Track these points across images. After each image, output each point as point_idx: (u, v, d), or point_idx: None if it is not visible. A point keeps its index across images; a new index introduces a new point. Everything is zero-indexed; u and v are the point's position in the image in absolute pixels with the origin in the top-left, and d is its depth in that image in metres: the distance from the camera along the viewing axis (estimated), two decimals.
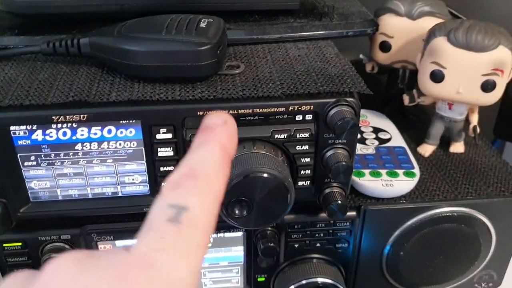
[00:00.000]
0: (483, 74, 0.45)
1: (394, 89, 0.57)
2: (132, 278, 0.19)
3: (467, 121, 0.52)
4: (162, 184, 0.23)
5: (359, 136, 0.52)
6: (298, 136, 0.40)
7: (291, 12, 0.49)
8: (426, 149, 0.53)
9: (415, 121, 0.58)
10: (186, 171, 0.23)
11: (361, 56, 0.58)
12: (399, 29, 0.52)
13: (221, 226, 0.45)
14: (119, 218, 0.44)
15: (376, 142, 0.51)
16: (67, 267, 0.20)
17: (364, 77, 0.62)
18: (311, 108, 0.39)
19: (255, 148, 0.39)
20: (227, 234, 0.46)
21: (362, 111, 0.57)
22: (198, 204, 0.22)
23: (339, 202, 0.41)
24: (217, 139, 0.25)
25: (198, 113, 0.38)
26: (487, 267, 0.51)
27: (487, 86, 0.46)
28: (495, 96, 0.47)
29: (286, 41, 0.47)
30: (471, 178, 0.49)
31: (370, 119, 0.55)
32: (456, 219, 0.46)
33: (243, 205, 0.38)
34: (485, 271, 0.52)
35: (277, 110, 0.39)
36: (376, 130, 0.53)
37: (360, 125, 0.55)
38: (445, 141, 0.54)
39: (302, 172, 0.42)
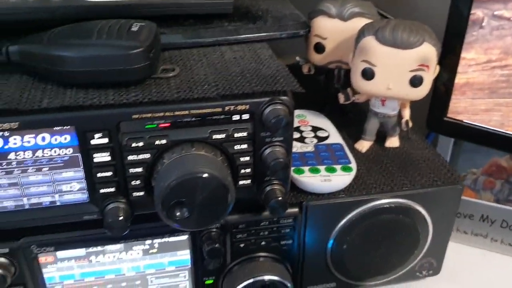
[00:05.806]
0: (411, 70, 0.47)
1: (332, 89, 0.59)
2: None
3: (400, 116, 0.54)
4: None
5: (299, 135, 0.54)
6: (236, 136, 0.40)
7: (225, 16, 0.50)
8: (363, 145, 0.55)
9: (354, 119, 0.60)
10: None
11: (297, 58, 0.59)
12: (331, 31, 0.53)
13: (165, 230, 0.45)
14: (59, 228, 0.43)
15: (315, 140, 0.53)
16: None
17: (303, 79, 0.63)
18: (247, 108, 0.40)
19: (193, 149, 0.39)
20: (172, 238, 0.46)
21: (302, 112, 0.59)
22: None
23: (280, 198, 0.42)
24: None
25: (133, 116, 0.38)
26: (427, 255, 0.53)
27: (415, 81, 0.48)
28: (424, 90, 0.49)
29: (221, 45, 0.48)
30: (406, 170, 0.51)
31: (309, 119, 0.57)
32: (394, 210, 0.48)
33: (183, 206, 0.38)
34: (425, 259, 0.54)
35: (214, 110, 0.39)
36: (315, 129, 0.55)
37: (299, 124, 0.56)
38: (382, 136, 0.56)
39: (242, 171, 0.42)
